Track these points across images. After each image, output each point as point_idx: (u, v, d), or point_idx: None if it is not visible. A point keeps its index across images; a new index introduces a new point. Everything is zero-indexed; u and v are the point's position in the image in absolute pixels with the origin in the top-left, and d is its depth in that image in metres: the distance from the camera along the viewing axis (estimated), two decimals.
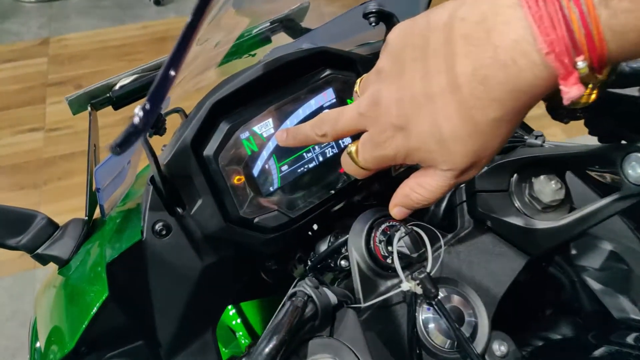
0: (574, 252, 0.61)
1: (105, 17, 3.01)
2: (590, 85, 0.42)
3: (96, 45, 2.86)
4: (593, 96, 0.47)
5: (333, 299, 0.43)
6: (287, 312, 0.39)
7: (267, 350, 0.36)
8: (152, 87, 0.23)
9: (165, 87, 0.24)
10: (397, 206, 0.42)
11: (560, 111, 0.47)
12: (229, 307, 1.06)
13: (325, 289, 0.43)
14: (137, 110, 0.23)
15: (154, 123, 0.48)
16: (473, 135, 0.33)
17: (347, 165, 0.42)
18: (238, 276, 0.60)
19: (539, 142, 0.59)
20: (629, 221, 0.59)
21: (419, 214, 0.66)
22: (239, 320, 1.06)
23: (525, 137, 0.61)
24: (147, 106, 0.23)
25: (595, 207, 0.46)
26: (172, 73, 0.24)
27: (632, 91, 0.50)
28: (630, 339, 0.51)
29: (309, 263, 0.61)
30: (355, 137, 0.42)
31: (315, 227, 0.70)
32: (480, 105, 0.31)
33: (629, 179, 0.43)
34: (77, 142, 2.37)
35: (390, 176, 0.68)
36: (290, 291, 0.43)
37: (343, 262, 0.56)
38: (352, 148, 0.41)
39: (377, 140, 0.37)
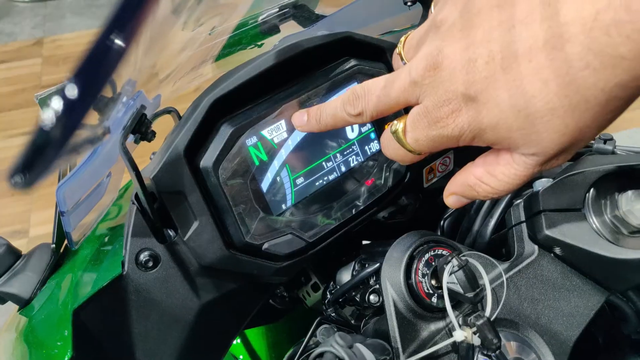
0: None
1: (100, 17, 2.91)
2: None
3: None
4: None
5: (371, 359, 0.33)
6: None
7: None
8: (79, 62, 0.13)
9: (105, 64, 0.13)
10: (455, 195, 0.33)
11: None
12: None
13: (360, 347, 0.33)
14: (50, 107, 0.12)
15: (136, 126, 0.38)
16: (577, 108, 0.25)
17: (390, 148, 0.33)
18: (244, 312, 0.50)
19: (609, 147, 0.48)
20: None
21: (455, 231, 0.56)
22: (239, 341, 0.96)
23: (591, 141, 0.50)
24: (68, 96, 0.12)
25: None
26: (120, 43, 0.13)
27: None
28: None
29: (328, 295, 0.50)
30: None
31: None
32: (597, 66, 0.23)
33: None
34: None
35: (422, 188, 0.57)
36: (317, 350, 0.32)
37: (372, 297, 0.45)
38: (399, 125, 0.31)
39: (435, 116, 0.29)
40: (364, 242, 0.54)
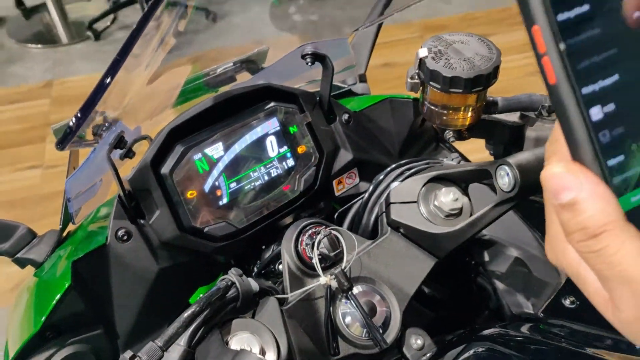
0: (487, 259, 0.70)
1: (106, 61, 3.14)
2: (462, 109, 0.52)
3: None
4: (469, 119, 0.57)
5: (255, 286, 0.52)
6: (210, 291, 0.48)
7: (184, 316, 0.44)
8: (86, 98, 0.33)
9: (95, 99, 0.34)
10: None
11: (446, 133, 0.57)
12: None
13: (249, 279, 0.52)
14: (73, 117, 0.32)
15: (117, 143, 0.58)
16: None
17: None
18: (194, 281, 0.69)
19: (454, 162, 0.68)
20: (535, 230, 0.68)
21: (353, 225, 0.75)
22: None
23: (444, 159, 0.70)
24: (79, 114, 0.32)
25: (480, 214, 0.55)
26: (105, 83, 0.34)
27: (513, 116, 0.60)
28: (524, 329, 0.59)
29: (255, 270, 0.69)
30: None
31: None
32: None
33: (501, 187, 0.52)
34: None
35: (334, 195, 0.77)
36: (219, 278, 0.52)
37: (280, 267, 0.64)
38: None
39: None
40: None
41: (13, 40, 3.32)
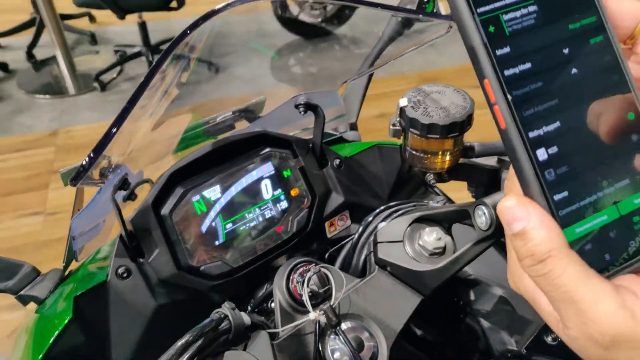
0: (473, 298, 0.72)
1: (111, 111, 3.27)
2: (440, 153, 0.57)
3: (100, 135, 3.09)
4: (447, 163, 0.61)
5: (247, 320, 0.54)
6: (203, 322, 0.51)
7: (178, 344, 0.47)
8: (97, 142, 0.37)
9: (105, 141, 0.38)
10: None
11: (427, 175, 0.61)
12: None
13: (242, 313, 0.55)
14: (87, 156, 0.37)
15: (121, 185, 0.62)
16: None
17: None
18: (190, 319, 0.71)
19: (439, 204, 0.72)
20: None
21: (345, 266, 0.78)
22: None
23: (430, 201, 0.74)
24: (91, 154, 0.37)
25: (461, 252, 0.58)
26: (114, 130, 0.38)
27: (491, 160, 0.65)
28: None
29: (249, 307, 0.71)
30: None
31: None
32: None
33: (479, 226, 0.56)
34: None
35: (326, 237, 0.80)
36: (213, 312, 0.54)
37: (273, 305, 0.66)
38: None
39: None
40: None
41: (22, 91, 3.43)
